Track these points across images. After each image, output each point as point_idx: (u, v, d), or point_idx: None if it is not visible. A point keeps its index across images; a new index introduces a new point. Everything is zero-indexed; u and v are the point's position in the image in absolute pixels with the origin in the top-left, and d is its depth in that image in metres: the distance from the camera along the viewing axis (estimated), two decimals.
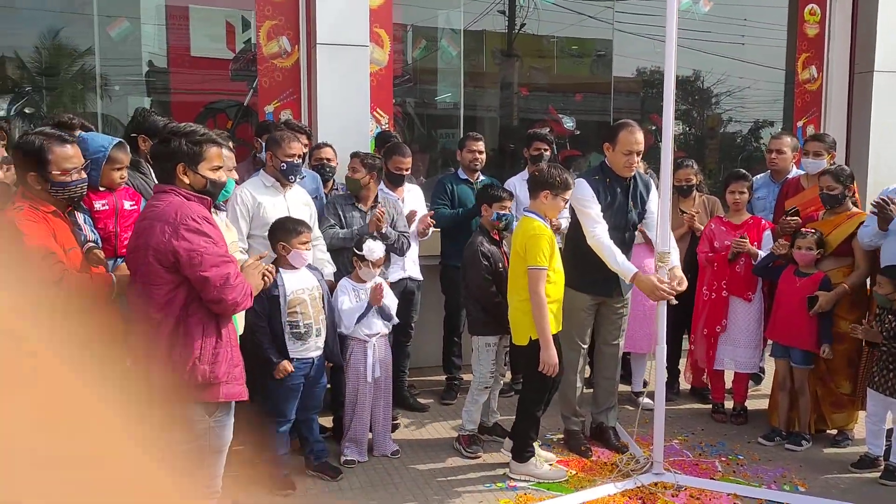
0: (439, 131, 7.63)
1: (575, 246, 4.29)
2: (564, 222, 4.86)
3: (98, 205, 3.55)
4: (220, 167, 2.85)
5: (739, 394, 5.09)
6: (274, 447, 3.86)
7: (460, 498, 3.90)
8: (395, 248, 4.62)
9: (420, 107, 7.35)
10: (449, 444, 4.53)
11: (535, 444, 4.21)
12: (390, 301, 4.29)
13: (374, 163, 4.49)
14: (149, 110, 4.68)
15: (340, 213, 4.53)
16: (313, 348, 3.87)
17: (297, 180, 4.27)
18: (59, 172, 2.98)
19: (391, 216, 4.62)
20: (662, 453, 4.14)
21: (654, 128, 7.32)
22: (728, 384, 5.18)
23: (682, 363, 5.48)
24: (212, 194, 2.84)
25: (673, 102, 3.87)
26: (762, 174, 5.62)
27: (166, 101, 6.58)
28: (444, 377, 5.48)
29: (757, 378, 5.56)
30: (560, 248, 4.25)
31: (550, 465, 4.22)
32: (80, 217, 3.32)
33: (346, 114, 5.42)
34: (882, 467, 4.21)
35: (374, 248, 4.11)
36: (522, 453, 4.12)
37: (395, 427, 4.65)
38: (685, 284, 4.10)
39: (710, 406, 5.20)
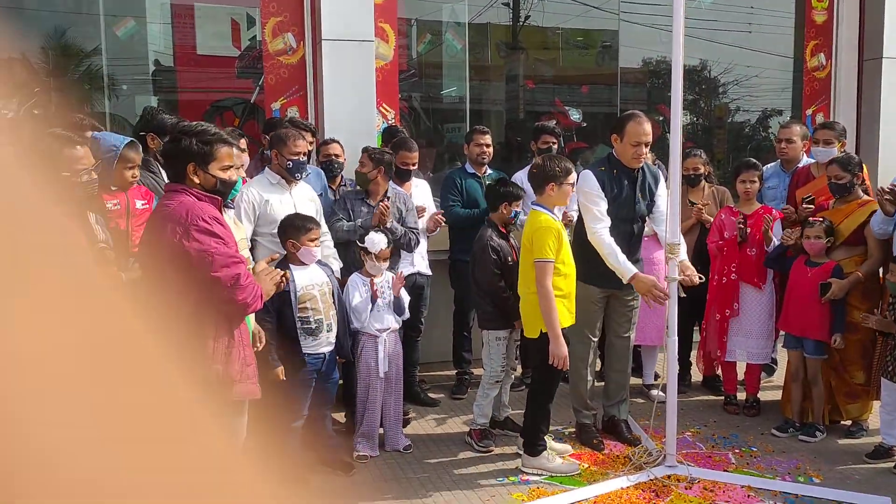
0: (445, 125, 7.62)
1: (583, 239, 4.27)
2: (574, 215, 4.84)
3: (110, 204, 3.56)
4: (231, 166, 2.85)
5: (752, 385, 5.06)
6: (287, 443, 3.87)
7: (473, 492, 3.90)
8: (403, 245, 4.61)
9: (426, 101, 7.34)
10: (460, 438, 4.54)
11: (548, 438, 4.21)
12: (404, 295, 4.29)
13: (381, 157, 4.49)
14: (157, 109, 4.69)
15: (349, 207, 4.54)
16: (324, 343, 3.88)
17: (303, 177, 4.28)
18: (69, 174, 2.99)
19: (399, 211, 4.61)
20: (675, 446, 4.13)
21: (661, 118, 7.28)
22: (740, 376, 5.16)
23: (693, 355, 5.46)
24: (222, 194, 2.85)
25: (681, 92, 3.84)
26: (772, 163, 5.58)
27: (173, 99, 6.59)
28: (454, 372, 5.48)
29: (769, 369, 5.53)
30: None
31: (563, 458, 4.22)
32: (91, 217, 3.33)
33: (352, 109, 5.41)
34: None
35: (375, 241, 4.11)
36: (534, 447, 4.12)
37: (406, 422, 4.66)
38: (697, 279, 4.11)
39: (723, 398, 5.18)
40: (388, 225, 4.45)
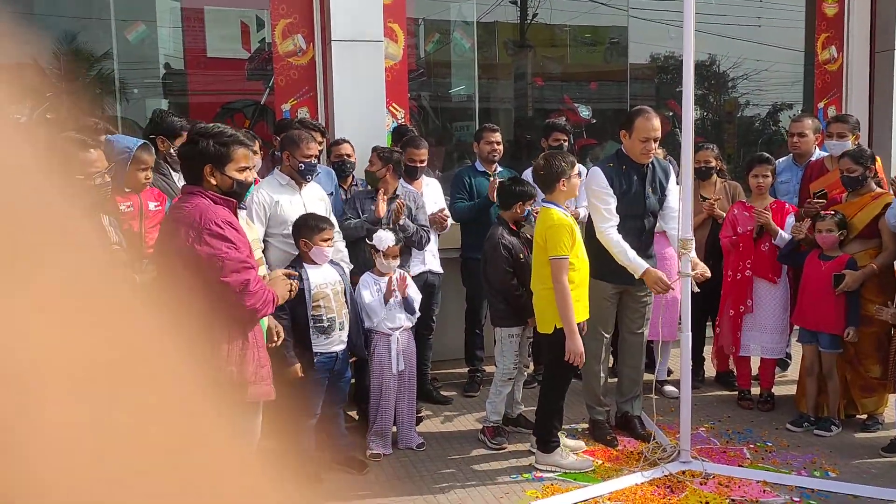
0: (454, 124, 7.63)
1: (595, 236, 4.27)
2: (583, 211, 4.84)
3: (123, 206, 3.59)
4: (247, 168, 2.87)
5: (766, 380, 5.04)
6: (300, 442, 3.89)
7: (487, 489, 3.90)
8: (414, 242, 4.62)
9: (434, 100, 7.35)
10: (473, 436, 4.54)
11: (561, 435, 4.21)
12: (414, 294, 4.30)
13: (389, 156, 4.50)
14: (166, 111, 4.72)
15: (359, 207, 4.56)
16: (337, 342, 3.89)
17: (313, 178, 4.30)
18: (83, 177, 3.01)
19: (409, 209, 4.63)
20: (689, 441, 4.12)
21: (671, 114, 7.26)
22: (754, 370, 5.14)
23: (707, 350, 5.44)
24: (238, 195, 2.86)
25: (692, 87, 3.84)
26: (784, 157, 5.55)
27: (184, 102, 6.63)
28: (466, 369, 5.48)
29: (783, 364, 5.51)
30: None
31: (576, 454, 4.22)
32: (104, 219, 3.36)
33: (362, 109, 5.42)
34: None
35: (383, 238, 4.13)
36: (547, 444, 4.12)
37: (419, 420, 4.67)
38: (709, 272, 4.11)
39: (736, 393, 5.16)
40: (401, 222, 4.46)
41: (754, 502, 3.71)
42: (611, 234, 4.11)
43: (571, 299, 3.85)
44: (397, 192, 4.60)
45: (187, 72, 6.59)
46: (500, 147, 5.28)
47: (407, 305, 4.25)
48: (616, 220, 4.14)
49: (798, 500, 3.73)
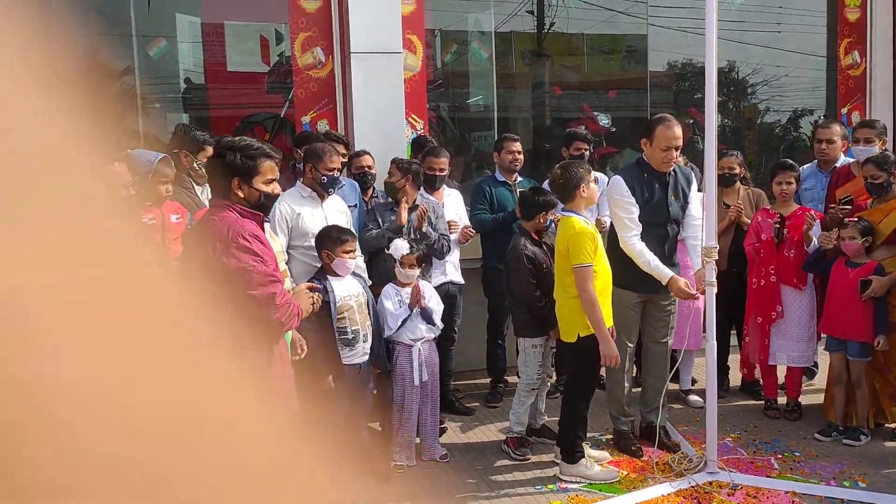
0: (473, 134, 7.64)
1: (618, 245, 4.25)
2: (607, 220, 4.82)
3: (146, 219, 3.62)
4: (274, 180, 2.88)
5: (793, 389, 4.97)
6: (323, 453, 3.88)
7: (511, 500, 3.88)
8: (436, 251, 4.62)
9: (453, 110, 7.36)
10: (497, 446, 4.52)
11: (585, 445, 4.17)
12: (435, 305, 4.28)
13: (408, 166, 4.52)
14: (189, 126, 4.76)
15: (379, 218, 4.56)
16: (360, 354, 3.90)
17: (336, 191, 4.31)
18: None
19: (429, 219, 4.62)
20: (716, 451, 4.07)
21: (691, 121, 7.22)
22: (780, 379, 5.07)
23: (732, 359, 5.38)
24: (266, 208, 2.88)
25: (715, 94, 3.81)
26: (809, 164, 5.50)
27: (204, 116, 6.69)
28: (488, 380, 5.46)
29: (810, 373, 5.43)
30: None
31: (601, 465, 4.18)
32: None
33: (382, 121, 5.44)
34: None
35: (399, 246, 4.13)
36: (572, 454, 4.09)
37: (442, 431, 4.65)
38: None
39: (762, 402, 5.09)
40: (424, 229, 4.46)
41: None
42: (634, 243, 4.09)
43: (599, 305, 3.83)
44: (416, 203, 4.60)
45: (207, 86, 6.65)
46: (521, 157, 5.27)
47: (425, 316, 4.24)
48: (639, 228, 4.12)
49: None
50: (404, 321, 4.16)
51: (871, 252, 4.49)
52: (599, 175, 5.23)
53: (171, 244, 3.70)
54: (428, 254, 4.46)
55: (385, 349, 4.18)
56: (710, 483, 3.94)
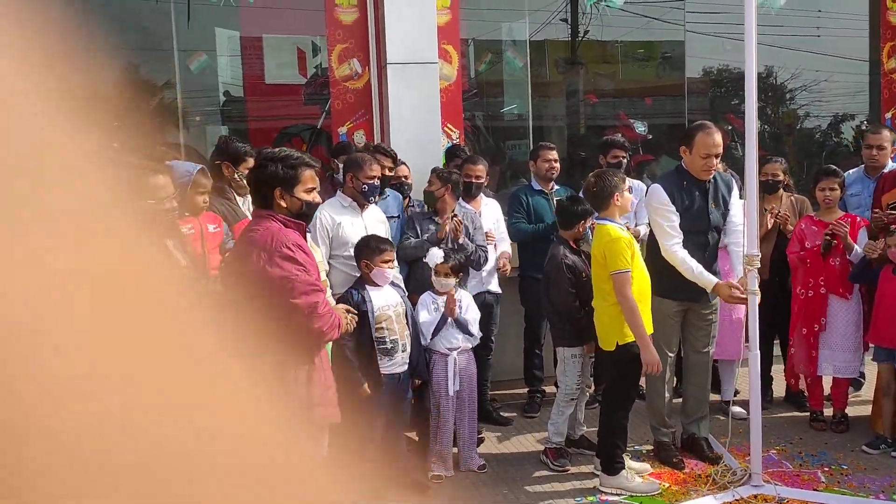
0: (507, 143, 7.63)
1: (657, 252, 4.21)
2: (643, 229, 4.77)
3: (185, 229, 3.68)
4: (314, 188, 2.92)
5: (839, 400, 4.85)
6: (362, 463, 3.89)
7: None
8: (472, 262, 4.62)
9: (487, 119, 7.37)
10: (535, 457, 4.48)
11: (625, 457, 4.12)
12: (472, 315, 4.27)
13: (448, 176, 4.53)
14: (230, 138, 4.83)
15: (417, 227, 4.58)
16: (399, 364, 3.90)
17: (379, 200, 4.34)
18: (153, 202, 3.10)
19: (466, 229, 4.62)
20: (760, 464, 3.98)
21: (730, 127, 7.13)
22: (826, 390, 4.95)
23: (776, 369, 5.27)
24: (307, 216, 2.91)
25: (755, 99, 3.76)
26: (854, 169, 5.38)
27: (243, 128, 6.80)
28: (525, 390, 5.43)
29: (857, 384, 5.29)
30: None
31: (642, 477, 4.12)
32: (169, 243, 3.44)
33: (418, 131, 5.47)
34: None
35: (433, 254, 4.14)
36: (612, 465, 4.04)
37: (480, 441, 4.63)
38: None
39: (807, 414, 4.98)
40: (461, 241, 4.46)
41: None
42: (676, 251, 4.04)
43: (639, 312, 3.79)
44: (455, 213, 4.61)
45: (246, 98, 6.76)
46: (558, 165, 5.26)
47: (460, 326, 4.23)
48: (680, 236, 4.07)
49: None
50: (438, 329, 4.15)
51: None
52: (636, 183, 5.19)
53: (210, 253, 3.75)
54: (465, 264, 4.45)
55: (425, 359, 4.18)
56: (756, 496, 3.86)
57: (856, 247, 4.60)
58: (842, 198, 4.93)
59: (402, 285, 4.29)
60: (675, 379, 4.66)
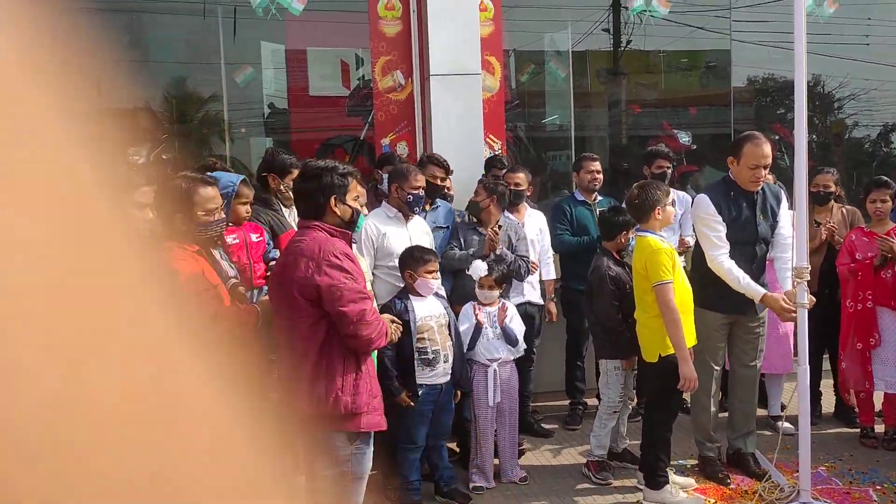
0: (549, 153, 7.62)
1: (702, 264, 4.16)
2: (690, 239, 4.71)
3: (230, 239, 3.74)
4: (359, 196, 2.97)
5: (891, 416, 4.72)
6: (405, 473, 3.91)
7: None
8: (513, 272, 4.61)
9: (529, 130, 7.38)
10: (577, 470, 4.44)
11: (669, 471, 4.06)
12: (517, 326, 4.27)
13: (495, 187, 4.54)
14: (277, 150, 4.92)
15: (462, 237, 4.60)
16: (441, 374, 3.91)
17: (430, 210, 4.37)
18: (203, 213, 3.17)
19: (509, 238, 4.62)
20: (809, 481, 3.89)
21: (777, 137, 7.02)
22: (877, 406, 4.82)
23: (824, 384, 5.15)
24: (354, 224, 2.96)
25: (805, 109, 3.70)
26: None
27: (286, 140, 6.91)
28: (566, 402, 5.39)
29: None
30: (684, 267, 4.15)
31: (687, 492, 4.06)
32: (216, 253, 3.51)
33: (460, 142, 5.49)
34: None
35: (477, 267, 4.14)
36: (655, 479, 3.98)
37: (521, 453, 4.61)
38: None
39: (858, 430, 4.85)
40: (498, 251, 4.46)
41: None
42: (723, 261, 3.98)
43: (681, 323, 3.74)
44: (500, 224, 4.61)
45: (290, 110, 6.88)
46: (601, 176, 5.23)
47: (507, 337, 4.23)
48: (727, 247, 4.01)
49: None
50: (474, 339, 4.15)
51: None
52: (680, 194, 5.14)
53: (255, 261, 3.81)
54: (508, 275, 4.45)
55: (468, 370, 4.19)
56: None
57: None
58: (893, 209, 4.81)
59: (445, 296, 4.31)
60: (720, 393, 4.58)
